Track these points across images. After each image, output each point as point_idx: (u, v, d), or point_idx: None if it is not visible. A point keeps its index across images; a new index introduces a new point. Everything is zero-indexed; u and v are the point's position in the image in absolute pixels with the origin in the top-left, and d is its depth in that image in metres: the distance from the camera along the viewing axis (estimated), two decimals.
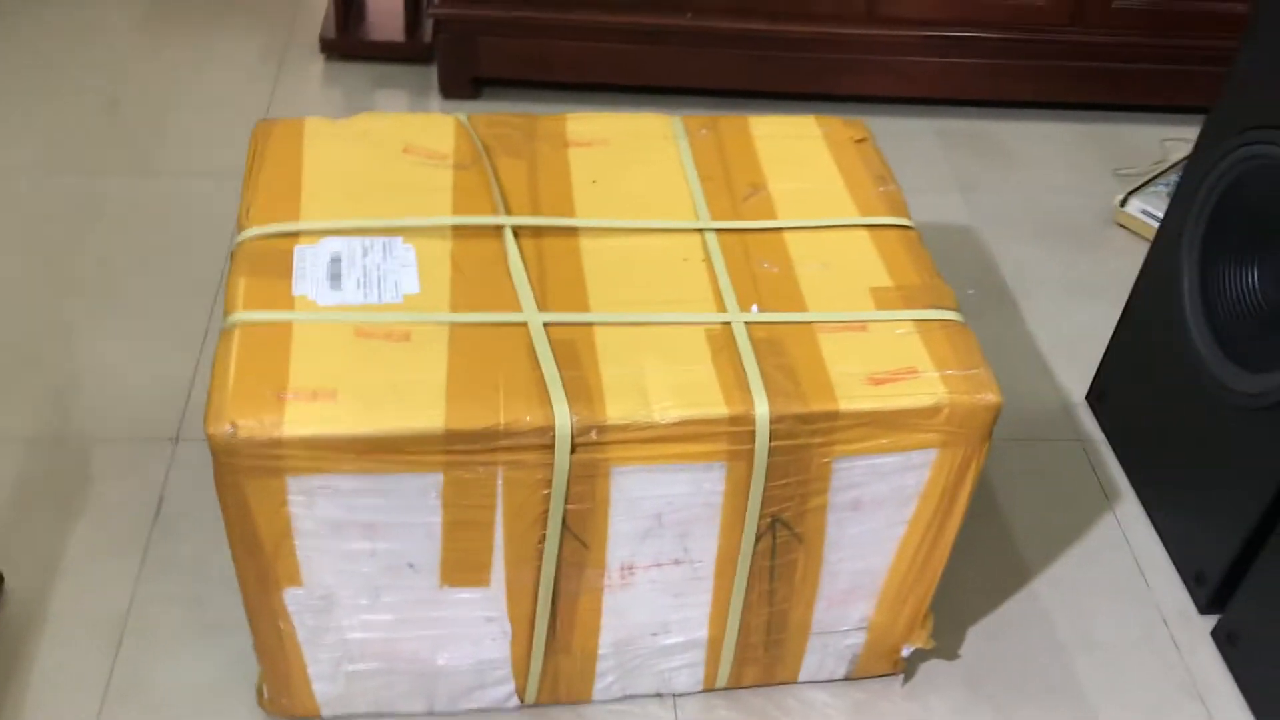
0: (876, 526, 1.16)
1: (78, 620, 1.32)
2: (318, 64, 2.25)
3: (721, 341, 1.10)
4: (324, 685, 1.20)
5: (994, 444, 1.62)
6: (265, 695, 1.22)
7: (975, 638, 1.40)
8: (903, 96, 2.26)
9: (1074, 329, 1.83)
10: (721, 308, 1.13)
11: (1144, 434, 1.57)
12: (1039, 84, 2.25)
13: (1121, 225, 2.06)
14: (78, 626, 1.31)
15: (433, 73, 2.23)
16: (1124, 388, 1.62)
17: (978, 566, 1.47)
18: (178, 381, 1.60)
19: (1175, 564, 1.50)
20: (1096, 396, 1.70)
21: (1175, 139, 2.26)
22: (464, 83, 2.16)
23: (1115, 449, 1.64)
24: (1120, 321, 1.63)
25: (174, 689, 1.26)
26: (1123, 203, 2.05)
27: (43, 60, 2.18)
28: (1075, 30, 2.18)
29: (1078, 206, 2.09)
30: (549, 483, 1.05)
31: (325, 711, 1.23)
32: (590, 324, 1.10)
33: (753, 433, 1.05)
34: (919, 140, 2.21)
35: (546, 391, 1.03)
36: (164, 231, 1.84)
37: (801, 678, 1.31)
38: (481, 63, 2.13)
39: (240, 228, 1.17)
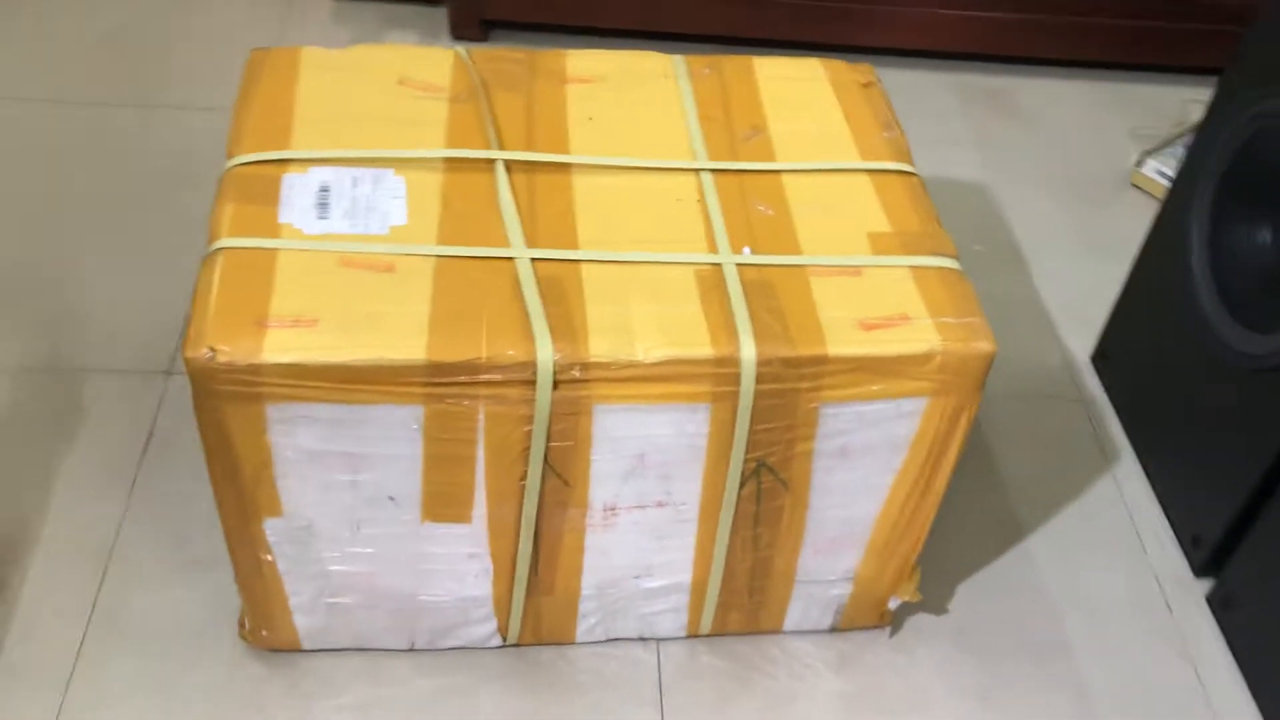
0: (864, 474, 1.14)
1: (63, 550, 1.31)
2: (327, 3, 2.22)
3: (711, 282, 1.08)
4: (305, 618, 1.20)
5: (994, 400, 1.61)
6: (246, 627, 1.22)
7: (965, 593, 1.38)
8: (919, 50, 2.21)
9: (1082, 289, 1.80)
10: (713, 249, 1.11)
11: (1146, 395, 1.55)
12: (1061, 41, 2.20)
13: (1137, 186, 2.02)
14: (63, 556, 1.31)
15: (443, 14, 2.20)
16: (1128, 348, 1.60)
17: (971, 522, 1.46)
18: (172, 314, 1.59)
19: (1172, 526, 1.48)
20: (1101, 356, 1.67)
21: (1196, 100, 2.21)
22: (473, 24, 2.13)
23: (1117, 409, 1.62)
24: (1127, 282, 1.60)
25: (157, 620, 1.26)
26: (1139, 163, 2.01)
27: None
28: None
29: (1094, 167, 2.06)
30: (531, 419, 1.04)
31: (306, 644, 1.23)
32: (578, 261, 1.08)
33: (738, 375, 1.03)
34: (935, 94, 2.17)
35: (530, 326, 1.02)
36: (164, 164, 1.82)
37: (786, 627, 1.30)
38: (491, 4, 2.09)
39: (229, 154, 1.15)
